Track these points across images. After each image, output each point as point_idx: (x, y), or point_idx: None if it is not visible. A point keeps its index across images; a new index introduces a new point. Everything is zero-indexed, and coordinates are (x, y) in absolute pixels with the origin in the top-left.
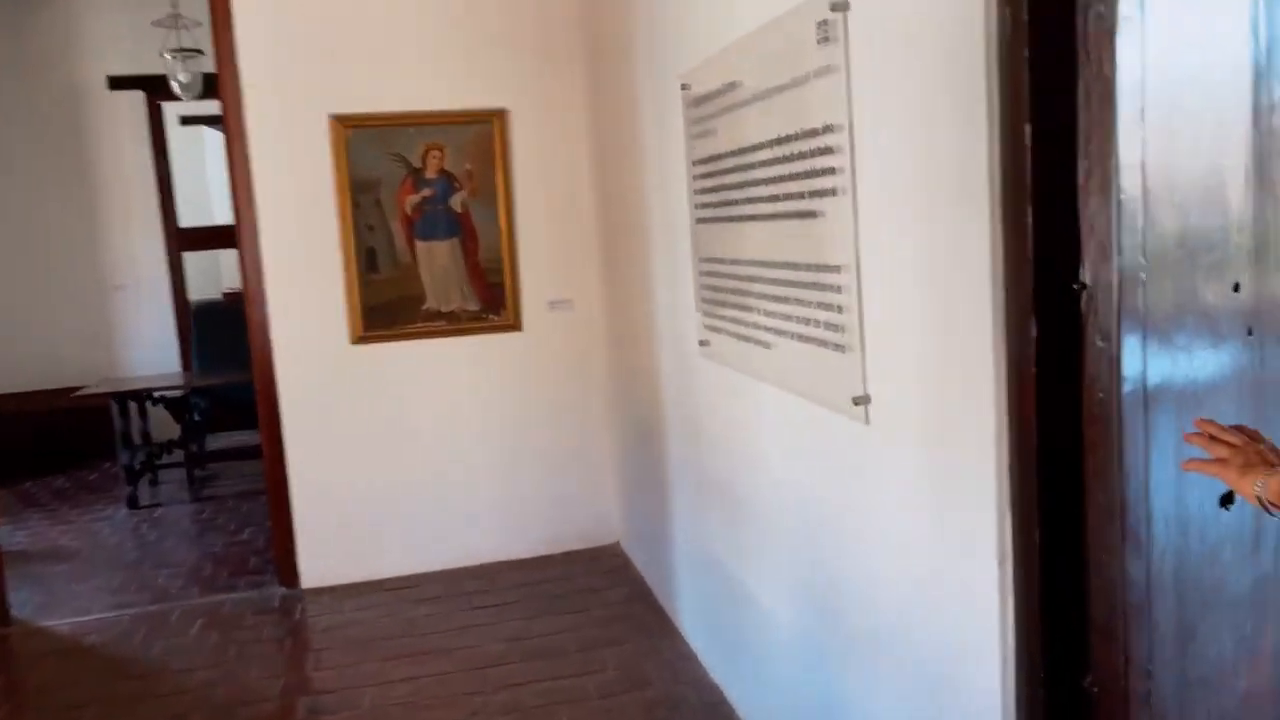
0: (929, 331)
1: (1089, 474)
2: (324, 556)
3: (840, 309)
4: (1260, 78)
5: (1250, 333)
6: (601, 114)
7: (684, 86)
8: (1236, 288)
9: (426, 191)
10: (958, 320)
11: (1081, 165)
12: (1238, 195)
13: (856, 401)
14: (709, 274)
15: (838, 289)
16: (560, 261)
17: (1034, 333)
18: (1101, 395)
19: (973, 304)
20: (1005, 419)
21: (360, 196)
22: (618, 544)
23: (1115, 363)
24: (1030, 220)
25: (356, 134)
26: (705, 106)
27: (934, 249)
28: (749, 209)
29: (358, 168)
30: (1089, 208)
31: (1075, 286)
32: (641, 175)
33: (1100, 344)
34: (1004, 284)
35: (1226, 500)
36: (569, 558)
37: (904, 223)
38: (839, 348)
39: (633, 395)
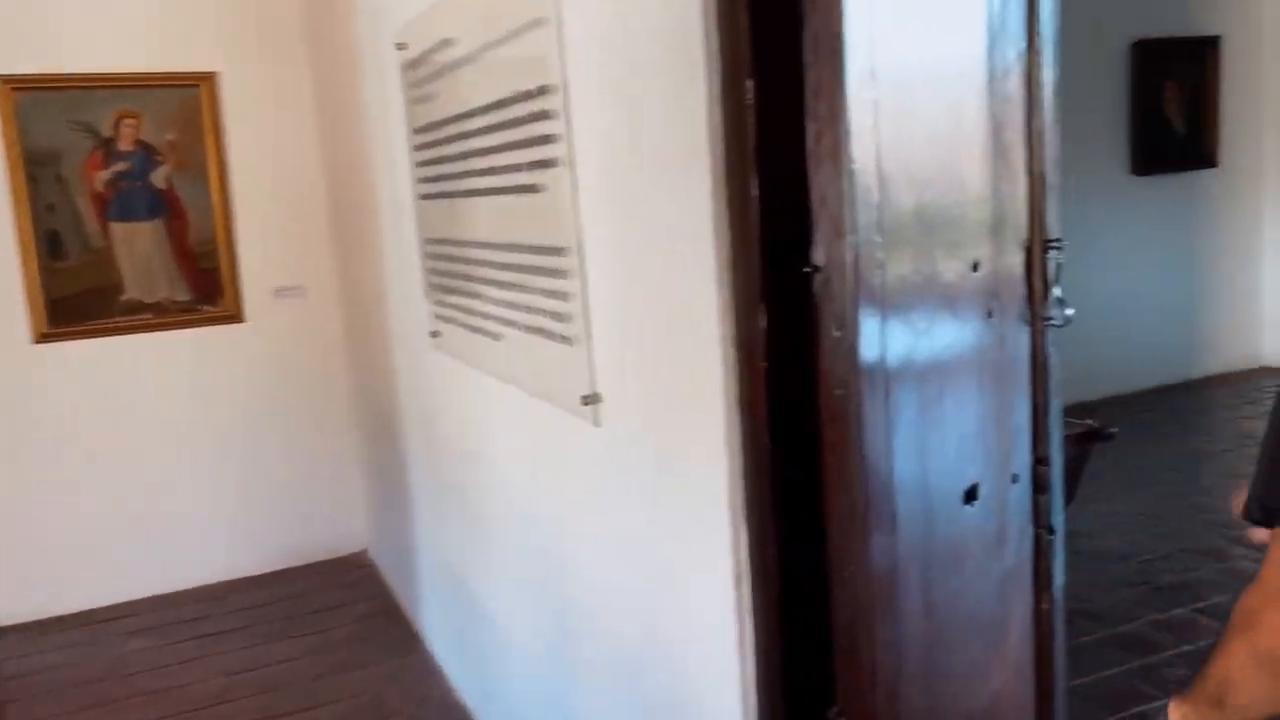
0: (659, 322)
1: (829, 477)
2: (13, 589)
3: (565, 296)
4: (994, 39)
5: (990, 315)
6: (325, 77)
7: (399, 46)
8: (975, 266)
9: (120, 166)
10: (685, 309)
11: (810, 129)
12: (974, 166)
13: (586, 400)
14: (436, 256)
15: (562, 273)
16: (287, 243)
17: (763, 323)
18: (839, 390)
19: (699, 290)
20: (737, 421)
21: (37, 171)
22: (365, 552)
23: (852, 353)
24: (756, 192)
25: (29, 98)
26: (422, 68)
27: (659, 227)
28: (471, 183)
29: (32, 138)
30: (820, 178)
31: (807, 269)
32: (367, 146)
33: (836, 333)
34: (730, 267)
35: (971, 495)
36: (309, 571)
37: (626, 197)
38: (566, 340)
39: (372, 390)
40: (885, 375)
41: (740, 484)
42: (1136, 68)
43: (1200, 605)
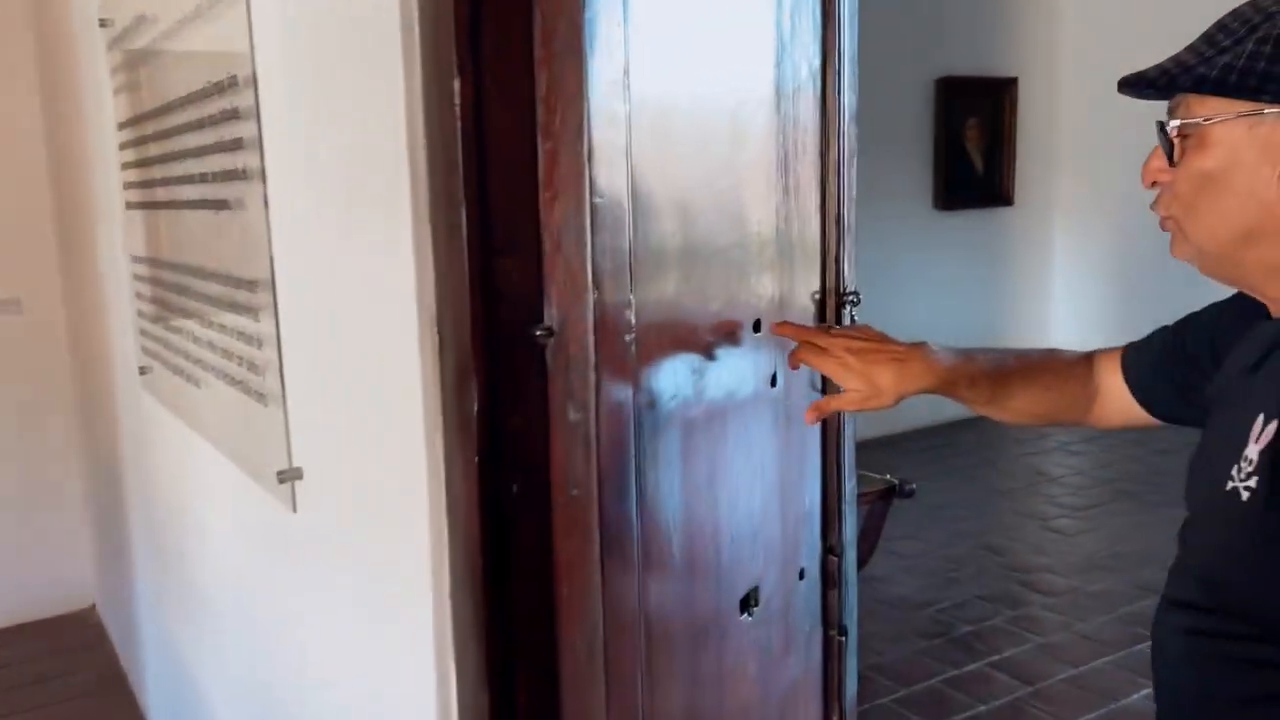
0: (362, 389)
1: (562, 605)
2: None
3: (259, 342)
4: (784, 49)
5: (774, 382)
6: (46, 53)
7: (103, 22)
8: (757, 325)
9: None
10: (389, 377)
11: (543, 148)
12: (758, 203)
13: (282, 477)
14: (141, 278)
15: (255, 312)
16: (0, 249)
17: (475, 404)
18: (575, 491)
19: (401, 355)
20: (444, 532)
21: None
22: (93, 609)
23: (592, 444)
24: (465, 230)
25: None
26: (124, 49)
27: (358, 266)
28: (169, 193)
29: None
30: (554, 214)
31: (538, 333)
32: (84, 138)
33: (572, 416)
34: (435, 325)
35: (749, 602)
36: (22, 633)
37: (325, 223)
38: (261, 398)
39: (94, 425)
40: (639, 469)
41: (448, 613)
42: (941, 104)
43: (995, 659)
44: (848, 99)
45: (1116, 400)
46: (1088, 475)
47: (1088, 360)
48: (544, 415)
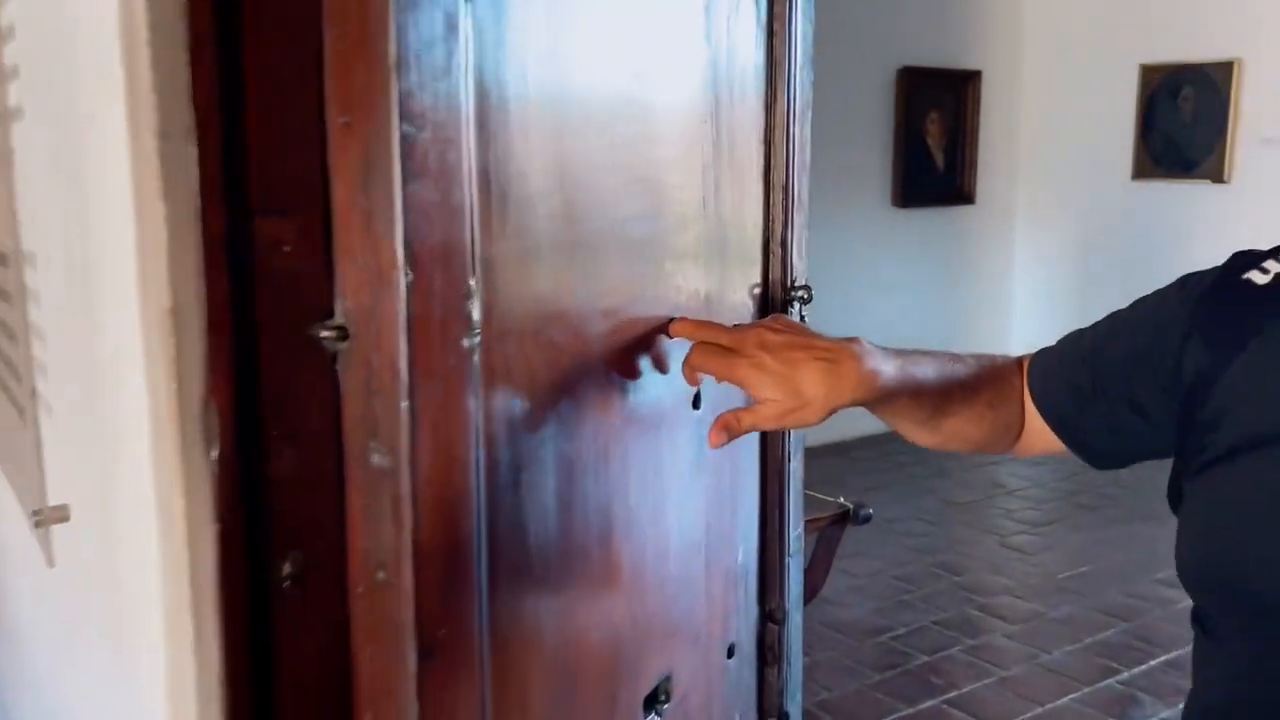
0: (103, 415)
1: None
2: None
3: (13, 334)
4: None
5: (697, 403)
6: None
7: None
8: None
9: None
10: (124, 400)
11: (331, 50)
12: (677, 164)
13: (37, 520)
14: None
15: (7, 296)
16: None
17: (218, 447)
18: (383, 575)
19: (130, 366)
20: (189, 632)
21: None
22: None
23: (406, 502)
24: (196, 173)
25: None
26: None
27: (89, 232)
28: None
29: None
30: (347, 151)
31: (323, 335)
32: None
33: (378, 461)
34: (171, 326)
35: (656, 699)
36: None
37: (63, 172)
38: (21, 411)
39: None
40: (489, 535)
41: None
42: (901, 95)
43: (953, 695)
44: (801, 29)
45: (1036, 421)
46: (1046, 488)
47: (1020, 369)
48: (335, 459)
